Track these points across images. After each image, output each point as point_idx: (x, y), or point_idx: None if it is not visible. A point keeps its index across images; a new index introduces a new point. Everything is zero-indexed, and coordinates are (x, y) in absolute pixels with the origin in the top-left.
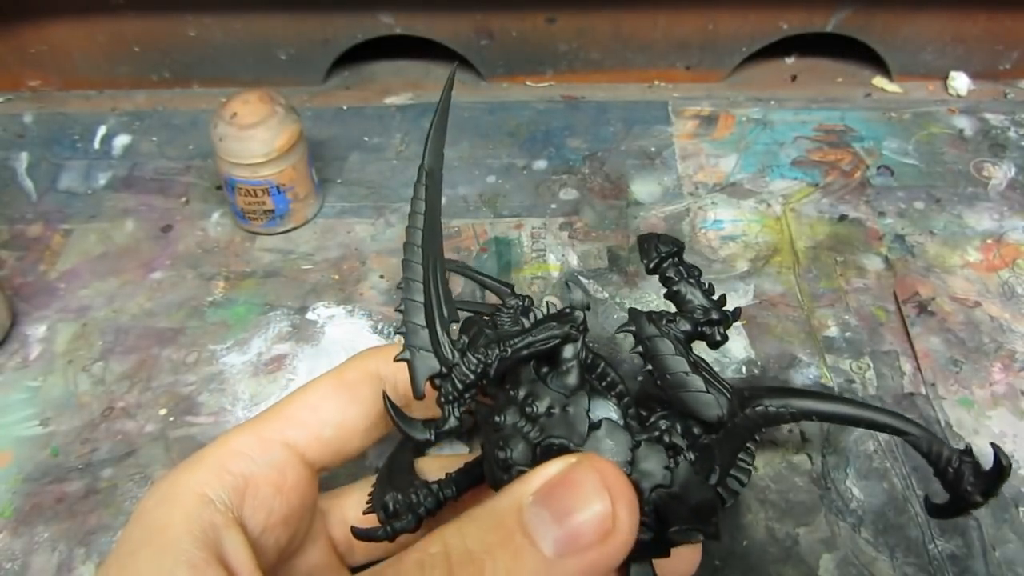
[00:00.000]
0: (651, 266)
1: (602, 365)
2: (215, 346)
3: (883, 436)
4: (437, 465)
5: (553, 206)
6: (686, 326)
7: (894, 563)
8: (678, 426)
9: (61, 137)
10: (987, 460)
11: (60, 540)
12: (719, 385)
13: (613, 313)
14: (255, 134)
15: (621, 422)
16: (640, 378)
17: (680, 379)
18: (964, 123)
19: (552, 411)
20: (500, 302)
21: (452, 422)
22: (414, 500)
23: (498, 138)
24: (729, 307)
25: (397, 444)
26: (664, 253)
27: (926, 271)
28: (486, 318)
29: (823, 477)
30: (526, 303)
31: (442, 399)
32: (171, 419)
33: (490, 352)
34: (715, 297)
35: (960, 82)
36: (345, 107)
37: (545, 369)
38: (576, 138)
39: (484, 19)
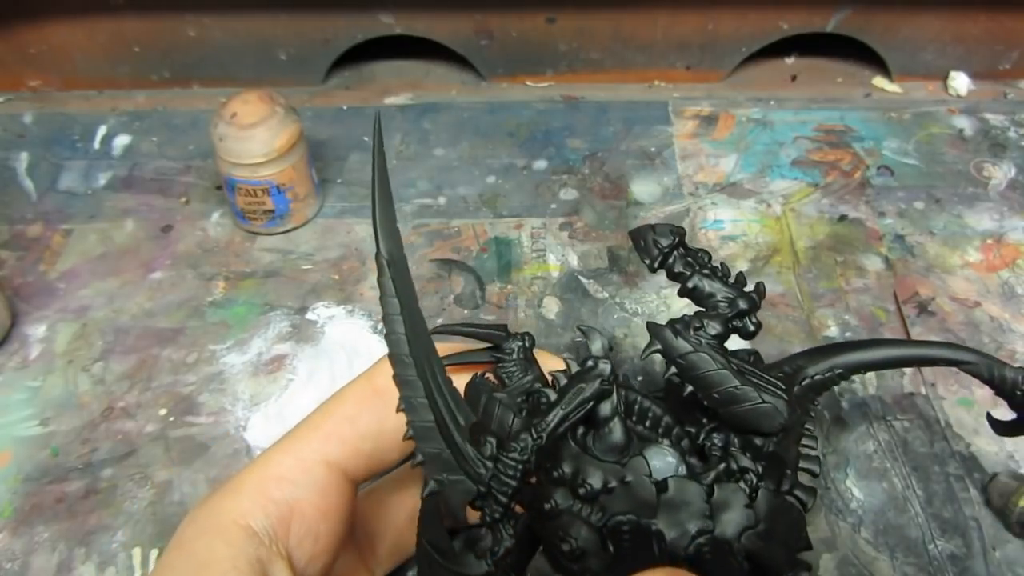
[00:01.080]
0: (655, 265)
1: (638, 402)
2: (215, 346)
3: (883, 436)
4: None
5: (553, 206)
6: (716, 327)
7: (894, 563)
8: (734, 439)
9: (61, 137)
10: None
11: (60, 540)
12: (771, 386)
13: (613, 313)
14: (255, 134)
15: (683, 467)
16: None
17: (731, 395)
18: (964, 123)
19: (609, 486)
20: (497, 334)
21: (507, 541)
22: None
23: (498, 138)
24: (750, 287)
25: (422, 516)
26: (666, 248)
27: (926, 271)
28: (489, 376)
29: (823, 477)
30: (527, 342)
31: (488, 519)
32: (171, 419)
33: (524, 446)
34: (733, 281)
35: (960, 82)
36: (345, 107)
37: (582, 430)
38: (576, 138)
39: (484, 19)
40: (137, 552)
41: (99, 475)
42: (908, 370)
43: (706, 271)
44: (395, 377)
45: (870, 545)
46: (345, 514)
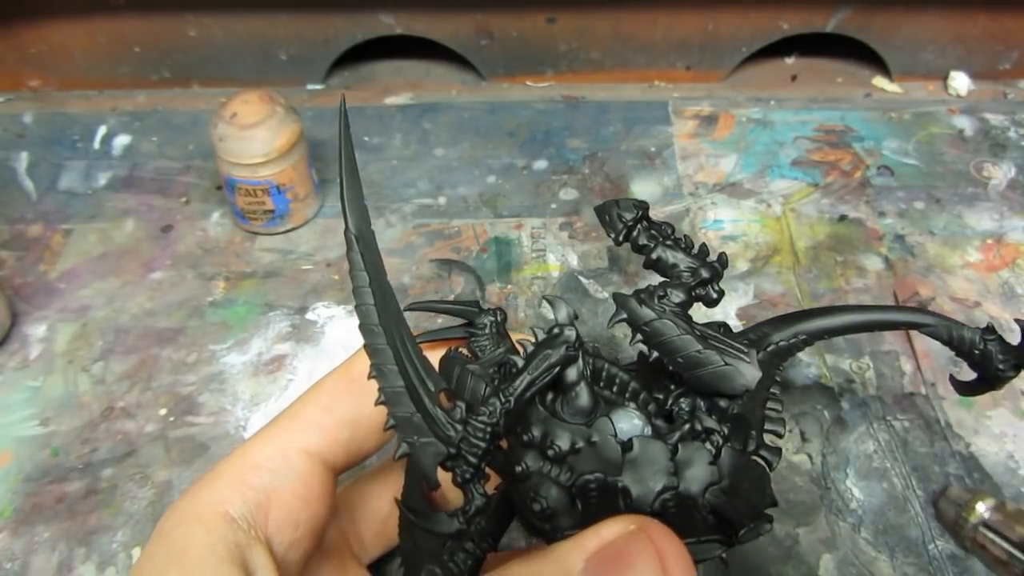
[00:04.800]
0: (620, 238)
1: (605, 369)
2: (215, 346)
3: (883, 436)
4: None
5: (553, 206)
6: (679, 296)
7: (894, 563)
8: (701, 403)
9: (61, 137)
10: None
11: (60, 540)
12: (734, 350)
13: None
14: (255, 134)
15: (648, 429)
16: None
17: (694, 359)
18: (964, 123)
19: (577, 446)
20: (470, 310)
21: (478, 501)
22: (455, 570)
23: (498, 138)
24: (713, 257)
25: (405, 486)
26: (630, 221)
27: (926, 271)
28: (463, 351)
29: (823, 477)
30: (499, 317)
31: (459, 480)
32: (171, 419)
33: (492, 410)
34: (696, 252)
35: (960, 82)
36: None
37: (551, 396)
38: (576, 138)
39: (484, 19)
40: (137, 552)
41: (99, 475)
42: (908, 369)
43: (669, 242)
44: (366, 346)
45: (870, 545)
46: (325, 501)
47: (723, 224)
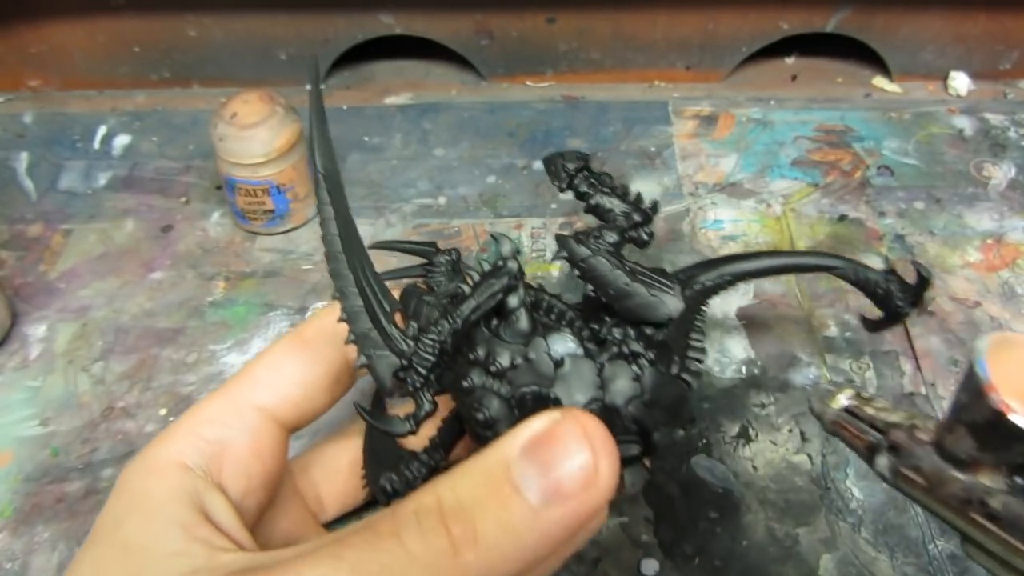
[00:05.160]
0: (563, 186)
1: (545, 299)
2: (215, 346)
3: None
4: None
5: (553, 206)
6: (613, 236)
7: (894, 563)
8: (631, 331)
9: (61, 137)
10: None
11: (60, 540)
12: (660, 284)
13: None
14: (255, 134)
15: (580, 351)
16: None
17: (623, 291)
18: (964, 123)
19: (515, 363)
20: (428, 250)
21: (427, 407)
22: (409, 476)
23: (498, 138)
24: (648, 205)
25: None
26: (573, 171)
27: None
28: (421, 285)
29: (823, 477)
30: (454, 256)
31: (411, 388)
32: (171, 419)
33: (441, 329)
34: (632, 199)
35: (960, 82)
36: (345, 107)
37: (495, 322)
38: (576, 138)
39: (484, 19)
40: None
41: (99, 475)
42: (908, 370)
43: (607, 190)
44: (330, 271)
45: (870, 545)
46: (277, 455)
47: (723, 224)
